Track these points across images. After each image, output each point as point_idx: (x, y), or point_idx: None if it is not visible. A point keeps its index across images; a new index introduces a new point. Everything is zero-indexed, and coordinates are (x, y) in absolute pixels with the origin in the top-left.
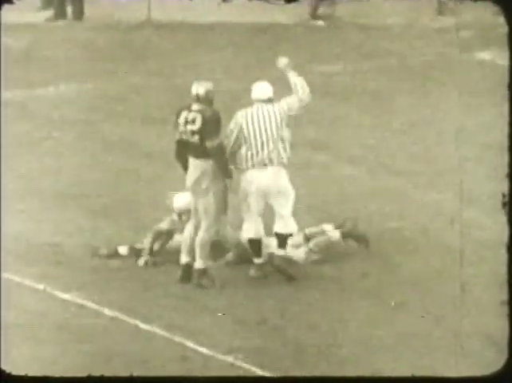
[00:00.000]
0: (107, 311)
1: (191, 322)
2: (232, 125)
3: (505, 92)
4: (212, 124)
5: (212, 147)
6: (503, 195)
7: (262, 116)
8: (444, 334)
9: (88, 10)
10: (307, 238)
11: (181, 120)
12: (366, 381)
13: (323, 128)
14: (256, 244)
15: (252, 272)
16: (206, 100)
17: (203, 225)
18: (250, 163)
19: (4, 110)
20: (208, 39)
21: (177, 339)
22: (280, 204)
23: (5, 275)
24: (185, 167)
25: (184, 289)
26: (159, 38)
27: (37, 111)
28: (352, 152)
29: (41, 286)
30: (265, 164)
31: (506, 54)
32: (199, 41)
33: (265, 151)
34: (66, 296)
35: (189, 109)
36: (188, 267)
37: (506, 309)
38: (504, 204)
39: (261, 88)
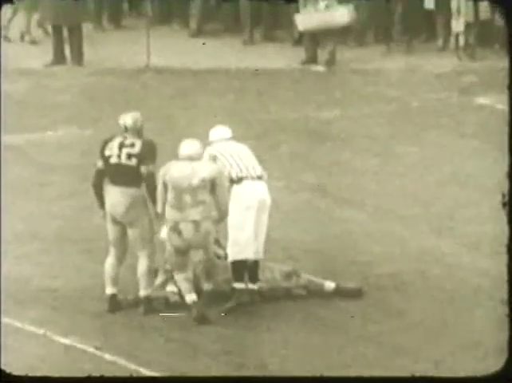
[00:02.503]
0: (107, 356)
1: (191, 367)
2: (205, 155)
3: (504, 136)
4: (151, 150)
5: (148, 172)
6: (503, 195)
7: (236, 146)
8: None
9: (87, 55)
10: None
11: (113, 145)
12: (366, 381)
13: (322, 173)
14: (254, 266)
15: (239, 299)
16: (135, 129)
17: (143, 253)
18: (240, 173)
19: (3, 154)
20: (208, 84)
21: None
22: (262, 225)
23: (5, 320)
24: (101, 198)
25: (183, 333)
26: (158, 83)
27: (37, 155)
28: (351, 196)
29: (41, 331)
30: (259, 177)
31: (506, 98)
32: (199, 86)
33: (251, 165)
34: (66, 341)
35: (123, 136)
36: (114, 298)
37: (506, 310)
38: (504, 204)
39: (221, 130)
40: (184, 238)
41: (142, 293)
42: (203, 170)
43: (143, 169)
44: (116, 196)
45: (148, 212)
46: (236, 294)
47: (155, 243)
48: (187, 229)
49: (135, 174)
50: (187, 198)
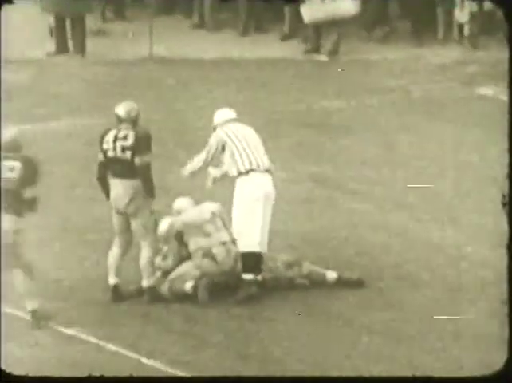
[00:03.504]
0: (111, 346)
1: (193, 357)
2: (213, 141)
3: (506, 126)
4: (144, 141)
5: (141, 164)
6: (503, 196)
7: (243, 129)
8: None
9: (89, 45)
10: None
11: (108, 138)
12: (366, 381)
13: (325, 163)
14: (259, 259)
15: (248, 291)
16: (129, 120)
17: (145, 244)
18: (248, 166)
19: None
20: (210, 74)
21: (179, 374)
22: (267, 217)
23: (7, 310)
24: (106, 190)
25: (187, 324)
26: (160, 73)
27: (39, 146)
28: (354, 186)
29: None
30: (266, 170)
31: (508, 89)
32: (201, 77)
33: (260, 156)
34: (69, 331)
35: (118, 128)
36: (117, 288)
37: (506, 309)
38: (504, 204)
39: (225, 112)
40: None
41: (144, 283)
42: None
43: (137, 160)
44: (118, 188)
45: (149, 203)
46: (245, 285)
47: (155, 234)
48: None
49: (131, 166)
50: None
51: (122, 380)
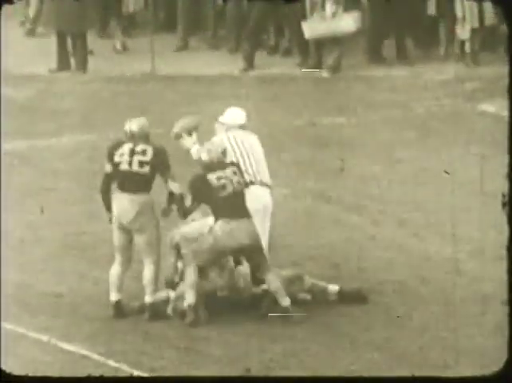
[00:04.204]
0: (111, 362)
1: (195, 373)
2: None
3: (505, 143)
4: (164, 157)
5: (177, 188)
6: (503, 196)
7: (248, 138)
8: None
9: (91, 62)
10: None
11: (123, 151)
12: (366, 381)
13: (327, 179)
14: None
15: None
16: (143, 135)
17: (149, 260)
18: (251, 178)
19: (7, 160)
20: (212, 91)
21: None
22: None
23: (8, 326)
24: (108, 202)
25: (188, 340)
26: (162, 90)
27: (40, 161)
28: (355, 202)
29: (45, 337)
30: (265, 184)
31: (508, 104)
32: (203, 93)
33: (261, 169)
34: (70, 347)
35: (133, 143)
36: (119, 305)
37: (506, 310)
38: (504, 204)
39: (236, 114)
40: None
41: (147, 299)
42: None
43: (171, 185)
44: (124, 203)
45: (156, 218)
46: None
47: (160, 250)
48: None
49: (147, 181)
50: None
51: (122, 380)
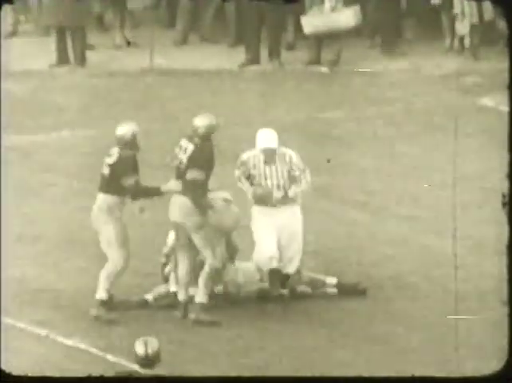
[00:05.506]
0: (110, 357)
1: (193, 368)
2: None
3: (505, 137)
4: (128, 162)
5: (129, 184)
6: (503, 196)
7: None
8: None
9: (90, 56)
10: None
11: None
12: (366, 381)
13: (326, 174)
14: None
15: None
16: (123, 141)
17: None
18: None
19: (7, 155)
20: (211, 85)
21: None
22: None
23: (7, 320)
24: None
25: (186, 334)
26: (161, 84)
27: (40, 156)
28: (354, 197)
29: (44, 332)
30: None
31: (508, 99)
32: (202, 87)
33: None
34: (69, 342)
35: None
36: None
37: (506, 309)
38: (504, 204)
39: (268, 137)
40: None
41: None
42: None
43: (124, 182)
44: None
45: (116, 218)
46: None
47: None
48: None
49: (113, 183)
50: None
51: (122, 380)
